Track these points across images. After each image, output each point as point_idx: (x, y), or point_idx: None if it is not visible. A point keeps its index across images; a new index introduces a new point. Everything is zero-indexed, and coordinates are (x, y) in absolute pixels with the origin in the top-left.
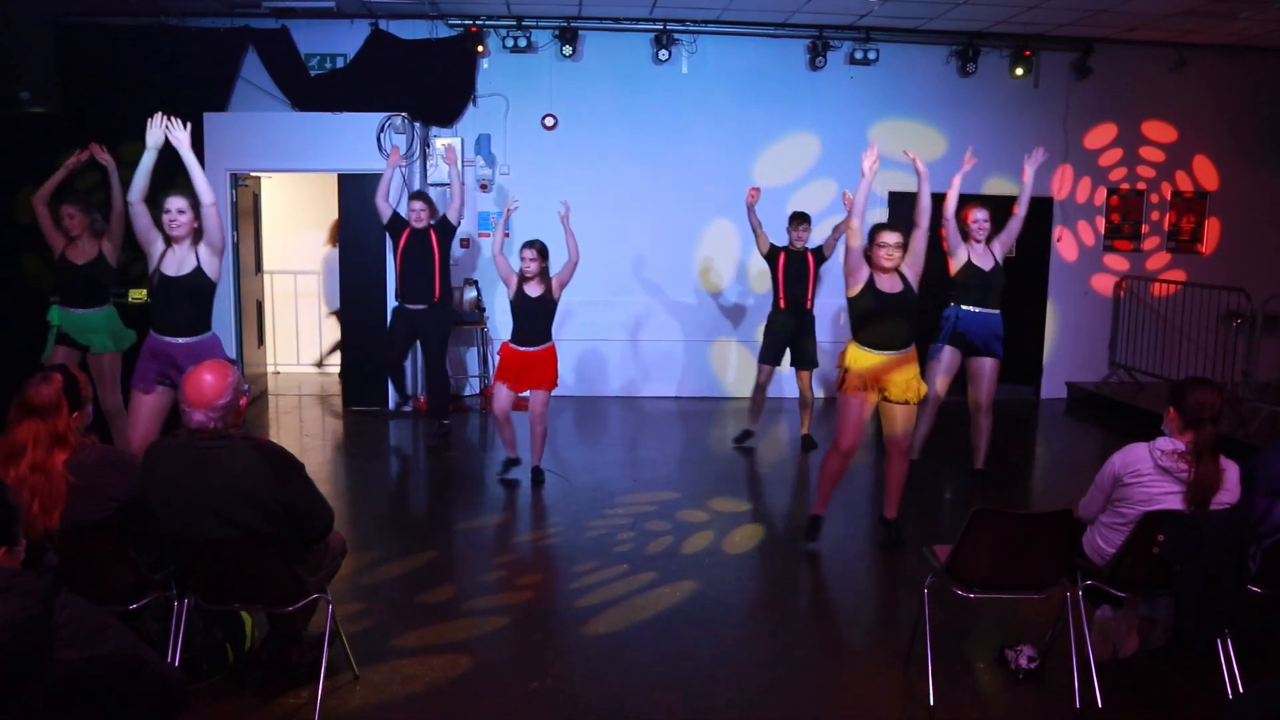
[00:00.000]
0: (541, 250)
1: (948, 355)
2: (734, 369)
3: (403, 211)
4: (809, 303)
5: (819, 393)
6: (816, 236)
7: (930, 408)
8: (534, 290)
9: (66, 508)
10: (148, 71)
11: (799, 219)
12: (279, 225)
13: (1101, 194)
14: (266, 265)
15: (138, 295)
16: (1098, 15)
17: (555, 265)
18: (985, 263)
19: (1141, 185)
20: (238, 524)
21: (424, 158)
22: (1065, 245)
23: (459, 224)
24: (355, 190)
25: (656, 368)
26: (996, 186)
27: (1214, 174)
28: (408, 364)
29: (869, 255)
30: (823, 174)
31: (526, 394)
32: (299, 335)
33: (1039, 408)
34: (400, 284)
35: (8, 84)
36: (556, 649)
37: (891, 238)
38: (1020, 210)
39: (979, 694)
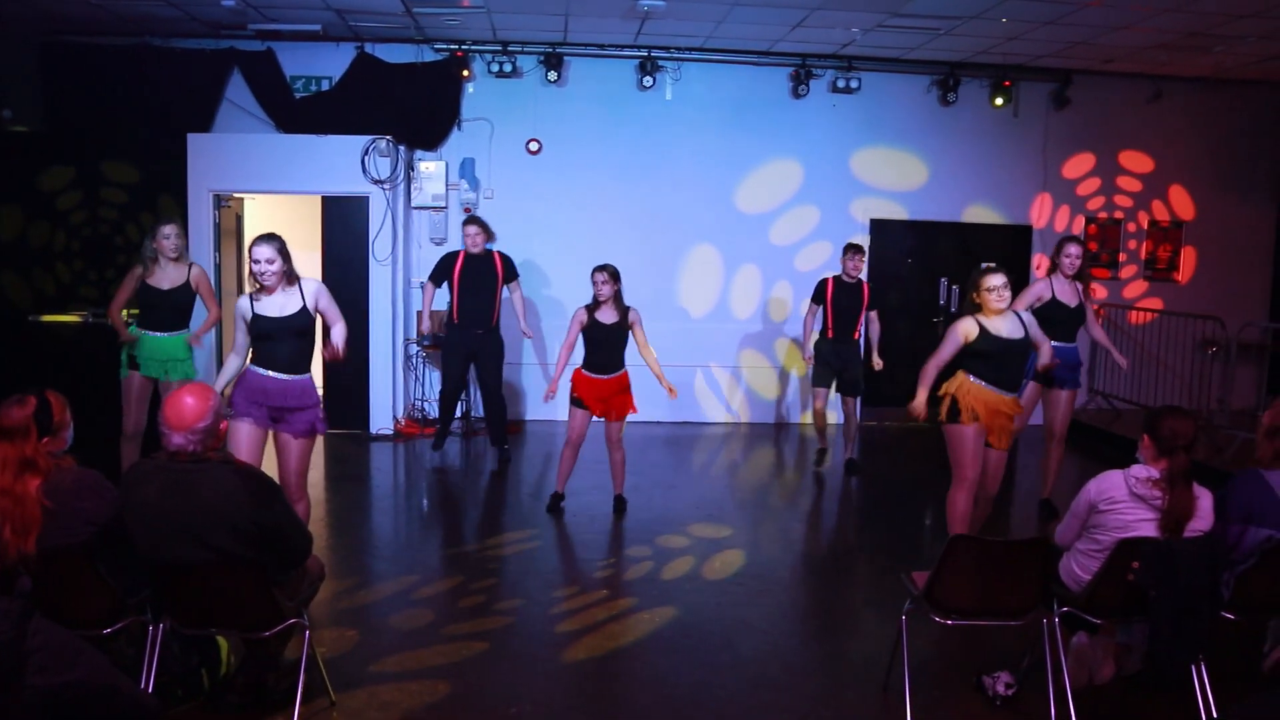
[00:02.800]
0: (613, 273)
1: (1030, 390)
2: (717, 394)
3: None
4: (856, 333)
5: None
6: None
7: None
8: (607, 317)
9: (41, 532)
10: (132, 92)
11: (852, 249)
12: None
13: (1080, 222)
14: (248, 288)
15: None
16: (1075, 47)
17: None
18: (1071, 299)
19: (1119, 214)
20: (215, 548)
21: (408, 181)
22: (1045, 269)
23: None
24: (338, 213)
25: (637, 393)
26: (976, 215)
27: (1190, 204)
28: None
29: (977, 301)
30: (805, 200)
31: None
32: None
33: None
34: (458, 308)
35: None
36: (535, 675)
37: (997, 280)
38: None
39: None
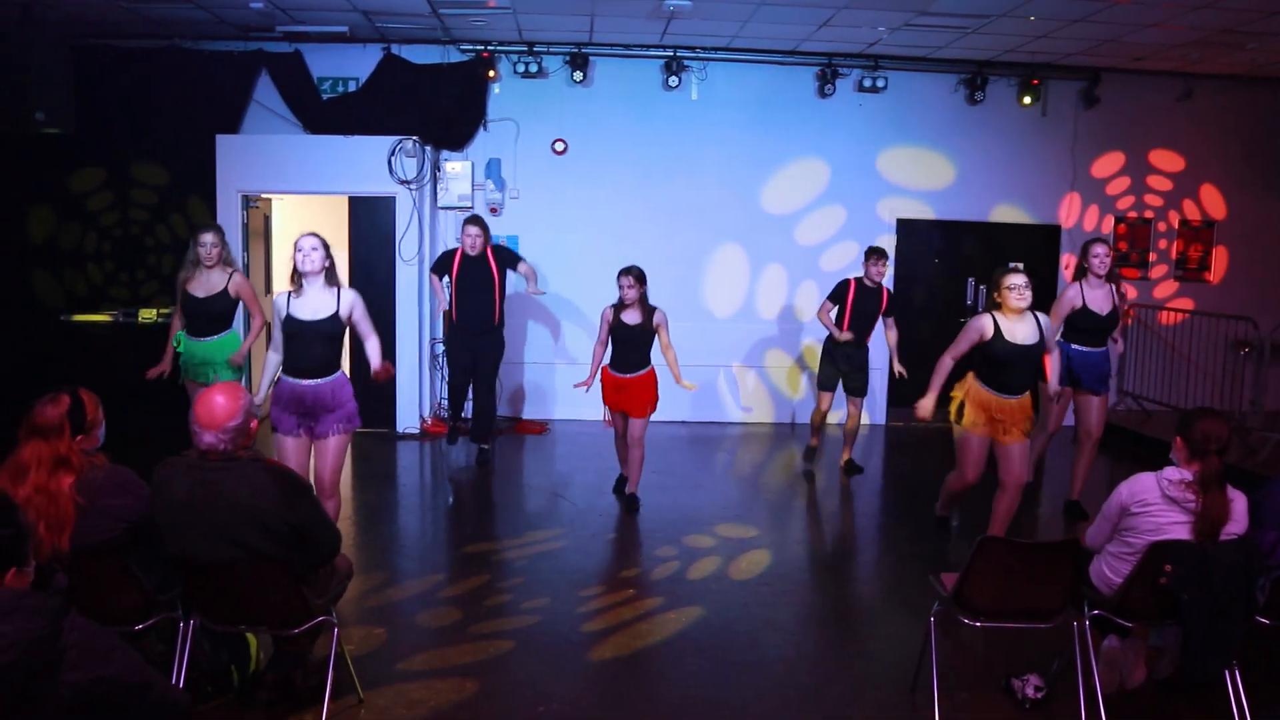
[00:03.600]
0: (639, 276)
1: (1062, 396)
2: (742, 395)
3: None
4: (869, 337)
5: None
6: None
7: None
8: (632, 318)
9: (74, 529)
10: (162, 94)
11: (875, 254)
12: (290, 247)
13: (1109, 222)
14: (276, 286)
15: (148, 316)
16: (1105, 45)
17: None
18: (1103, 306)
19: (1149, 214)
20: (245, 545)
21: (434, 181)
22: (1073, 273)
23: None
24: (365, 213)
25: (661, 393)
26: (1004, 214)
27: (1221, 203)
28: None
29: (998, 300)
30: (831, 200)
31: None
32: None
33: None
34: (457, 309)
35: (23, 105)
36: (562, 674)
37: (1019, 279)
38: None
39: None
